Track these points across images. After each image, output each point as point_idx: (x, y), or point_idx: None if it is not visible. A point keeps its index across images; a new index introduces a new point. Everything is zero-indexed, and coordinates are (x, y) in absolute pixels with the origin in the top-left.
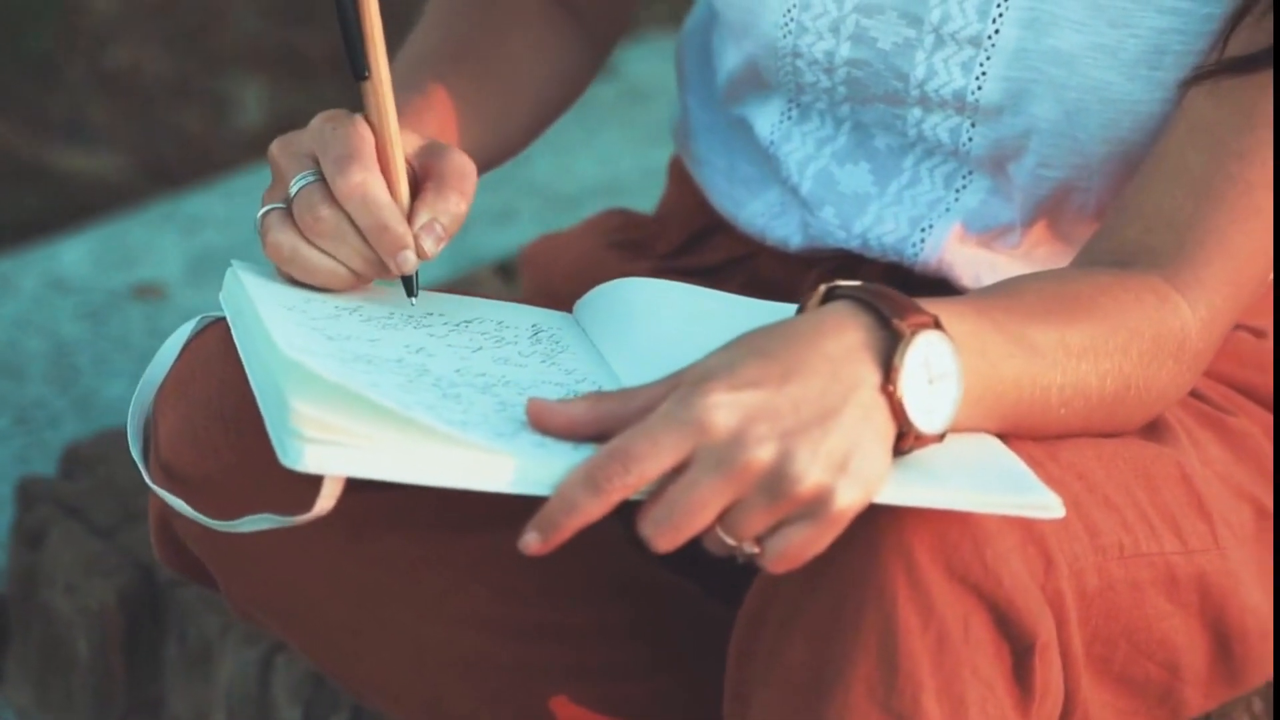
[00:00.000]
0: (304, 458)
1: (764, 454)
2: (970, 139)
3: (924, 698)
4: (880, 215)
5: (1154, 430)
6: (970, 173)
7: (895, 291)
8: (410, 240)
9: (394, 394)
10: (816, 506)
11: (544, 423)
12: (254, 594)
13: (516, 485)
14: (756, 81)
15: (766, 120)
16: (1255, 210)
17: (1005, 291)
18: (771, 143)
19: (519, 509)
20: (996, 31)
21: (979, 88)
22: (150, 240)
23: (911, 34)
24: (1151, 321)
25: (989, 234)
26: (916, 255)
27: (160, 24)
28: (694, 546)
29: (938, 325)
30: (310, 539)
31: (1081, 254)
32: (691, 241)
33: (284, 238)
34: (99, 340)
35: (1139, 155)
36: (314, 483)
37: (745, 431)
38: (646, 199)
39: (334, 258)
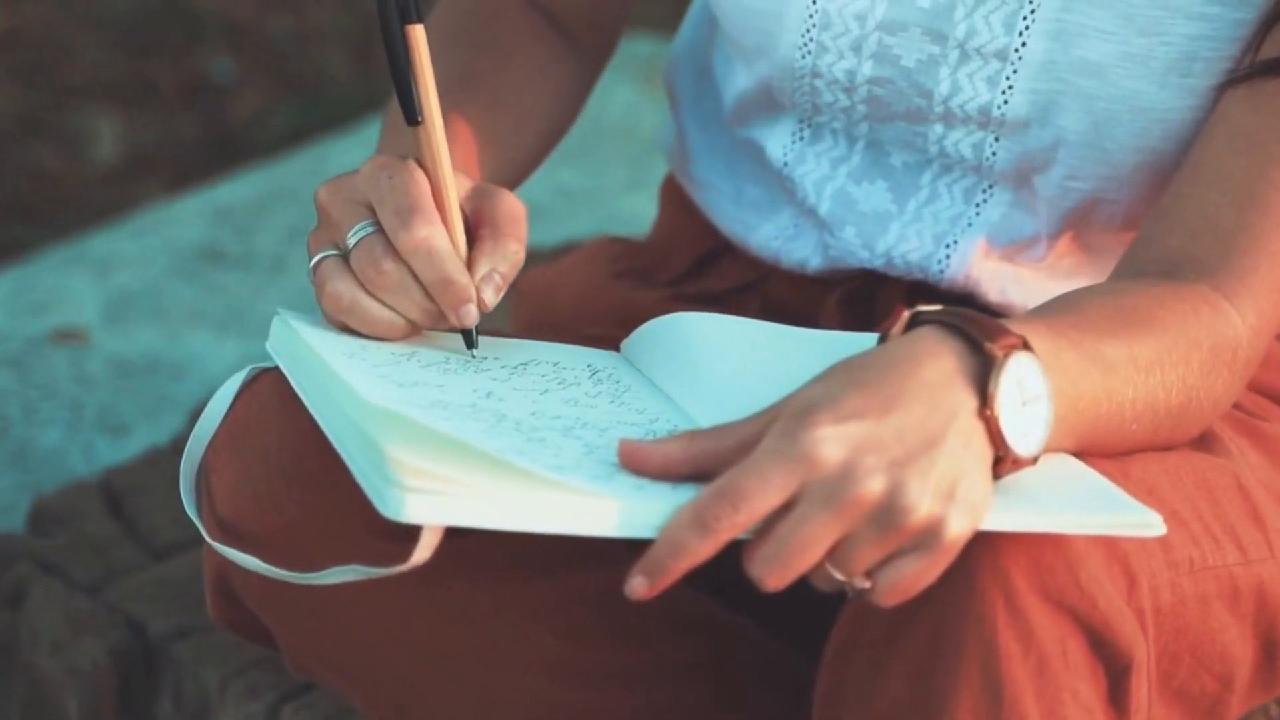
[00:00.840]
0: (406, 507)
1: (875, 486)
2: (994, 153)
3: None
4: (903, 233)
5: (1204, 440)
6: (990, 187)
7: (981, 314)
8: (473, 293)
9: (483, 439)
10: (928, 537)
11: (638, 464)
12: (316, 649)
13: (621, 529)
14: (768, 103)
15: (777, 141)
16: None
17: (1066, 308)
18: (785, 164)
19: (586, 552)
20: (1024, 44)
21: (1005, 102)
22: (62, 284)
23: (936, 50)
24: (1209, 332)
25: (1013, 247)
26: (943, 272)
27: (4, 58)
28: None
29: (1026, 347)
30: (379, 589)
31: (1124, 263)
32: (697, 267)
33: (343, 288)
34: (25, 389)
35: (1169, 165)
36: (387, 533)
37: (855, 464)
38: (563, 220)
39: (394, 309)
